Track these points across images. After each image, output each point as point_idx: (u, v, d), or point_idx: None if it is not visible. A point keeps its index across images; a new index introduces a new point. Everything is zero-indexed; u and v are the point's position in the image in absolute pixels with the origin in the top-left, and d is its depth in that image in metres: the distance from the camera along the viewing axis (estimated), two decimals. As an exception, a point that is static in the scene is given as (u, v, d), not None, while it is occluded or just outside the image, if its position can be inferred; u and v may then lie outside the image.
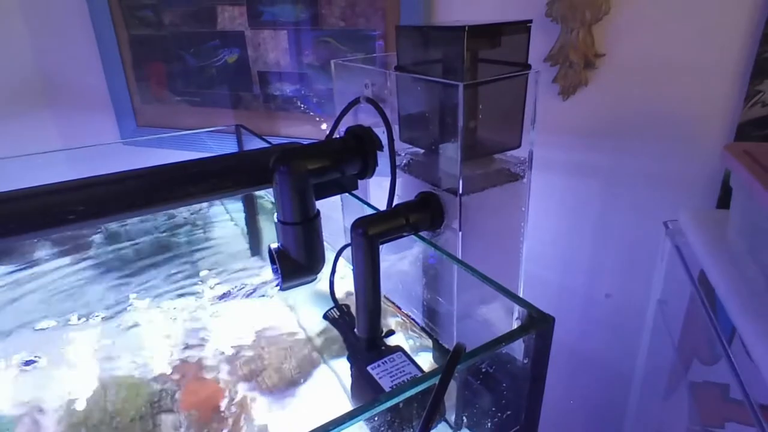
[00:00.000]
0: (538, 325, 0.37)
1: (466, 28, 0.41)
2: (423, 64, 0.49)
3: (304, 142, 0.58)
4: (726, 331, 0.80)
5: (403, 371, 0.51)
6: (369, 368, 0.51)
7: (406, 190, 0.56)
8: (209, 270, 0.92)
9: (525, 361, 0.38)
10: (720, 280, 0.62)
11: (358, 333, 0.54)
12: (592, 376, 1.07)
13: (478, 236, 0.49)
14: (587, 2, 0.76)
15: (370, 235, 0.47)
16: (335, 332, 0.79)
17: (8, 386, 0.67)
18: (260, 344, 0.76)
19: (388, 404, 0.32)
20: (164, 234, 1.00)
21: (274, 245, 0.59)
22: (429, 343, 0.62)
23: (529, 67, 0.46)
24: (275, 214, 0.59)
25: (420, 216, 0.50)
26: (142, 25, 1.08)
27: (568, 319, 1.03)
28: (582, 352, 1.05)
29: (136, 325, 0.77)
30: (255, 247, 1.04)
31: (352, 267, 0.51)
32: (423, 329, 0.60)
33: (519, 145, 0.49)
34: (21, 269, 0.86)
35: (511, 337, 0.36)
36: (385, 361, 0.52)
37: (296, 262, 0.58)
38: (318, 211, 0.58)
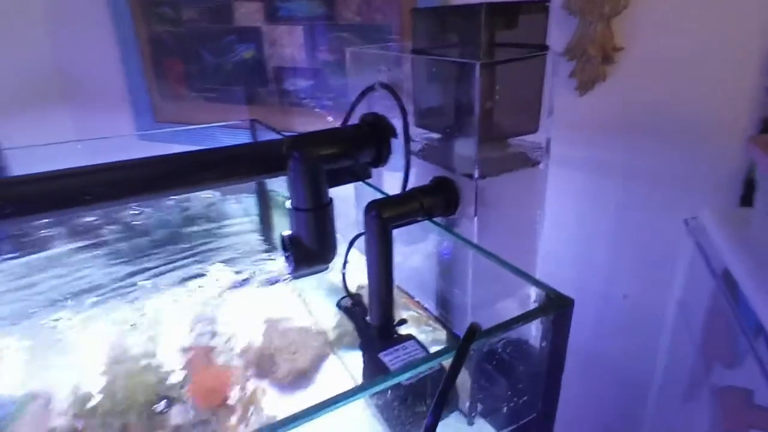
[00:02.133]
0: (556, 306, 0.36)
1: (484, 6, 0.40)
2: (439, 47, 0.49)
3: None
4: (750, 332, 0.77)
5: (416, 358, 0.50)
6: (380, 355, 0.50)
7: (421, 176, 0.55)
8: (222, 262, 0.92)
9: (543, 344, 0.37)
10: (747, 278, 0.60)
11: (371, 320, 0.53)
12: (608, 379, 1.05)
13: (494, 222, 0.48)
14: (606, -7, 0.75)
15: (384, 218, 0.46)
16: (346, 324, 0.78)
17: (19, 371, 0.67)
18: (271, 335, 0.75)
19: (396, 380, 0.31)
20: (179, 226, 1.01)
21: (287, 232, 0.59)
22: (442, 334, 0.61)
23: (546, 48, 0.45)
24: (287, 202, 0.58)
25: (435, 200, 0.49)
26: (161, 22, 1.10)
27: (584, 319, 1.01)
28: (598, 353, 1.03)
29: (147, 312, 0.77)
30: (268, 241, 1.04)
31: (365, 255, 0.51)
32: (437, 320, 0.59)
33: (536, 130, 0.48)
34: (34, 256, 0.87)
35: (528, 317, 0.35)
36: (397, 349, 0.51)
37: (308, 249, 0.58)
38: (331, 199, 0.58)
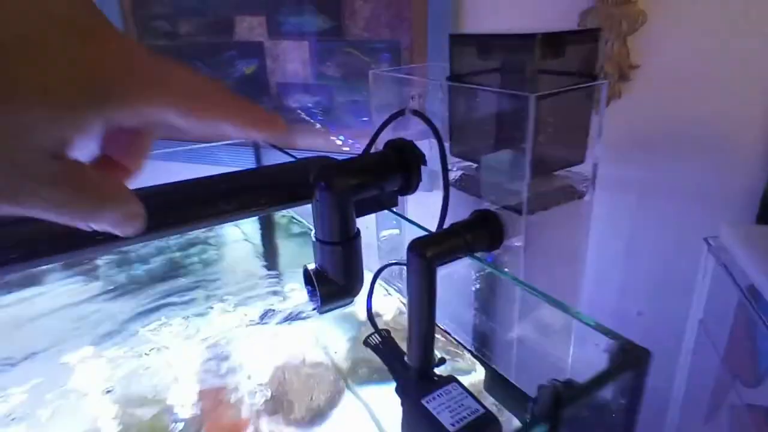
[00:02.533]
0: (633, 361, 0.33)
1: (539, 36, 0.38)
2: (480, 74, 0.46)
3: (336, 157, 0.55)
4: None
5: (462, 405, 0.47)
6: (423, 401, 0.47)
7: (456, 206, 0.52)
8: (227, 293, 0.87)
9: (620, 401, 0.34)
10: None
11: (410, 362, 0.50)
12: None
13: (540, 256, 0.45)
14: (624, 12, 0.74)
15: (428, 258, 0.43)
16: (361, 359, 0.75)
17: (21, 416, 0.62)
18: (284, 373, 0.72)
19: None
20: (177, 254, 0.95)
21: (311, 266, 0.56)
22: (478, 370, 0.58)
23: (596, 77, 0.43)
24: (312, 233, 0.55)
25: (477, 236, 0.47)
26: (157, 36, 1.05)
27: (597, 337, 0.99)
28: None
29: (153, 351, 0.73)
30: (273, 267, 0.99)
31: (406, 294, 0.48)
32: (472, 354, 0.57)
33: (583, 160, 0.46)
34: (25, 295, 0.82)
35: (610, 376, 0.32)
36: (440, 394, 0.48)
37: (335, 284, 0.55)
38: (358, 230, 0.55)
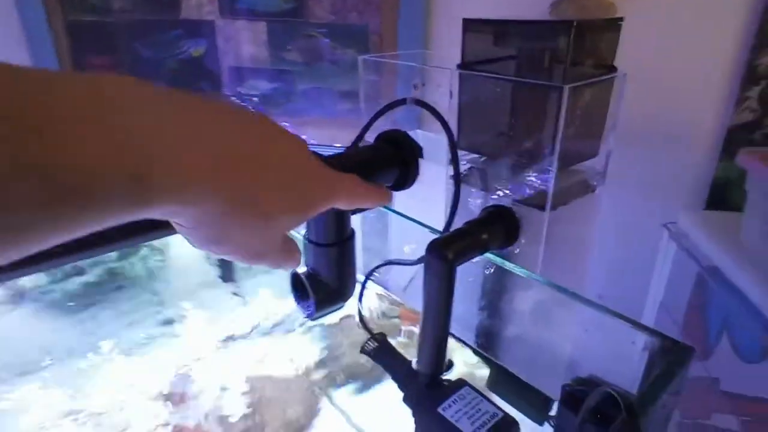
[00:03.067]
0: (684, 356, 0.33)
1: (575, 23, 0.36)
2: (495, 62, 0.44)
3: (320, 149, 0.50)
4: (718, 326, 0.83)
5: (479, 410, 0.45)
6: (440, 410, 0.45)
7: (460, 200, 0.50)
8: (181, 305, 0.78)
9: (664, 395, 0.34)
10: (751, 284, 0.62)
11: (422, 368, 0.47)
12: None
13: (554, 250, 0.44)
14: (596, 4, 0.74)
15: (450, 259, 0.40)
16: (336, 366, 0.71)
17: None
18: (257, 389, 0.66)
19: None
20: (117, 262, 0.83)
21: (302, 270, 0.51)
22: (477, 365, 0.56)
23: (614, 68, 0.42)
24: (303, 233, 0.50)
25: (493, 233, 0.45)
26: (83, 11, 0.92)
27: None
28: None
29: (107, 377, 0.64)
30: (227, 273, 0.90)
31: (422, 296, 0.44)
32: (475, 352, 0.55)
33: (597, 154, 0.45)
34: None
35: (669, 375, 0.31)
36: (455, 400, 0.46)
37: (328, 287, 0.51)
38: (353, 230, 0.51)
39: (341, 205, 0.30)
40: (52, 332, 0.70)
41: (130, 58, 0.96)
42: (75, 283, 0.78)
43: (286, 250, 0.28)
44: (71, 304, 0.74)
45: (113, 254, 0.83)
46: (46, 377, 0.62)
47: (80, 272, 0.80)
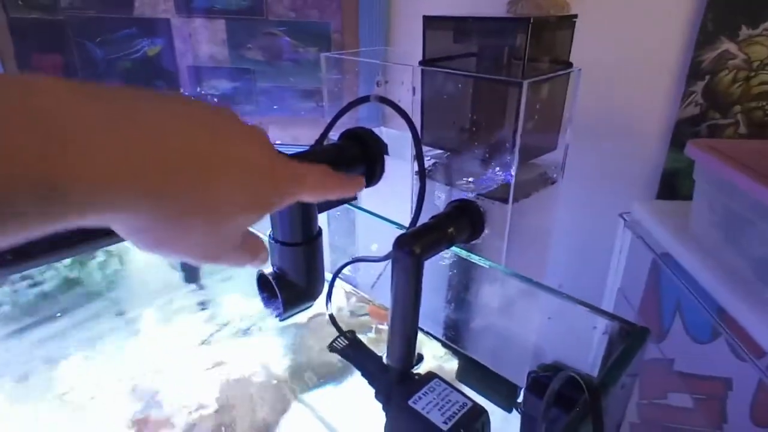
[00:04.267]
0: (639, 336, 0.34)
1: (532, 20, 0.37)
2: (457, 59, 0.45)
3: (285, 148, 0.50)
4: (671, 310, 0.87)
5: (449, 401, 0.46)
6: (410, 403, 0.45)
7: (426, 195, 0.51)
8: (142, 309, 0.76)
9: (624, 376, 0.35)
10: (700, 268, 0.66)
11: (392, 363, 0.47)
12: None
13: (517, 242, 0.45)
14: (551, 3, 0.77)
15: (417, 254, 0.41)
16: (303, 366, 0.71)
17: None
18: (223, 391, 0.65)
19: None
20: (73, 271, 0.80)
21: (268, 270, 0.50)
22: (445, 358, 0.57)
23: (570, 64, 0.44)
24: (269, 233, 0.50)
25: (460, 227, 0.45)
26: (28, 7, 0.88)
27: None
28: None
29: (68, 390, 0.61)
30: (190, 274, 0.88)
31: (390, 292, 0.45)
32: (443, 344, 0.56)
33: (556, 147, 0.47)
34: None
35: (627, 356, 0.33)
36: (426, 392, 0.46)
37: (297, 287, 0.50)
38: (320, 229, 0.51)
39: (309, 198, 0.29)
40: (5, 351, 0.67)
41: (81, 58, 0.92)
42: (29, 294, 0.75)
43: (248, 249, 0.26)
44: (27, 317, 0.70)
45: (67, 261, 0.80)
46: (13, 386, 0.59)
47: (37, 284, 0.76)
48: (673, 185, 0.91)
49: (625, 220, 0.85)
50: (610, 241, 0.91)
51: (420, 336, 0.61)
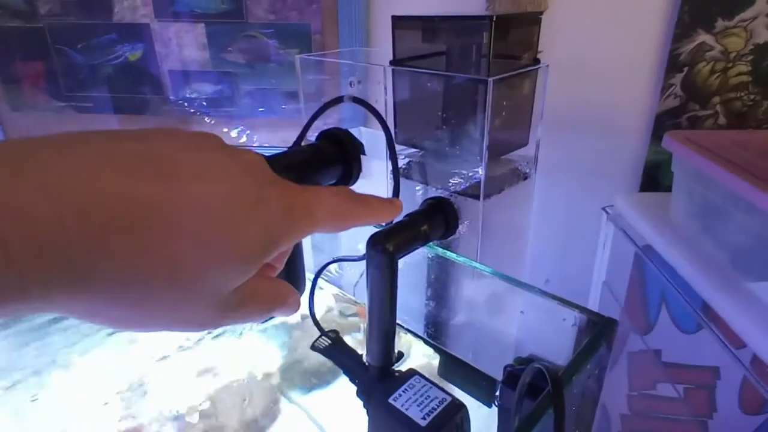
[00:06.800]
0: (607, 328, 0.35)
1: (494, 18, 0.37)
2: (424, 58, 0.45)
3: (259, 149, 0.50)
4: (657, 301, 0.88)
5: (428, 396, 0.47)
6: (390, 400, 0.46)
7: (402, 195, 0.51)
8: None
9: (592, 369, 0.36)
10: (680, 259, 0.67)
11: (372, 361, 0.48)
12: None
13: (492, 238, 0.46)
14: (529, -1, 0.77)
15: (391, 252, 0.41)
16: (291, 366, 0.71)
17: None
18: (211, 392, 0.65)
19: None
20: None
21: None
22: (433, 356, 0.58)
23: (538, 60, 0.44)
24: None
25: (434, 224, 0.46)
26: (6, 16, 0.88)
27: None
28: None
29: (54, 399, 0.61)
30: None
31: (366, 290, 0.45)
32: (425, 341, 0.56)
33: (527, 143, 0.47)
34: None
35: (592, 347, 0.33)
36: (405, 389, 0.47)
37: (277, 289, 0.51)
38: (299, 228, 0.51)
39: (329, 230, 0.23)
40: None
41: (63, 65, 0.92)
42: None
43: (266, 298, 0.21)
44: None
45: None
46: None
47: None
48: (656, 177, 0.92)
49: (607, 213, 0.85)
50: (595, 235, 0.92)
51: (408, 336, 0.62)
